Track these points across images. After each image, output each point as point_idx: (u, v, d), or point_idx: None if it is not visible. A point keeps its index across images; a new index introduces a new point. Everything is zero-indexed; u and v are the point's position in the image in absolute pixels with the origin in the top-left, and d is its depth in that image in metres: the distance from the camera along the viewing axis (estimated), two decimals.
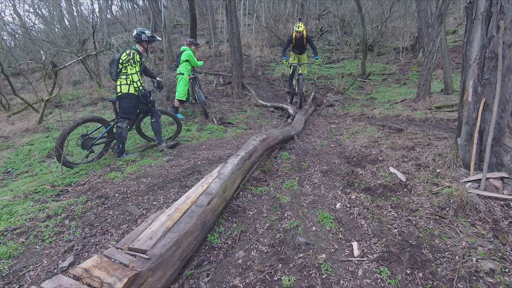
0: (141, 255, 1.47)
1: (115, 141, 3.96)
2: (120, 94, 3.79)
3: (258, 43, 12.41)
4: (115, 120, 3.92)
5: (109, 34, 11.17)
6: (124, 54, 3.79)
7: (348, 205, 2.42)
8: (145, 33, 3.85)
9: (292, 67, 6.84)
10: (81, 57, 7.82)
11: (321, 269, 1.69)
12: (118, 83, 3.80)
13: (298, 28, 6.43)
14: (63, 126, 4.25)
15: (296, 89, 6.63)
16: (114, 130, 3.92)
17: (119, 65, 3.79)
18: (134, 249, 1.55)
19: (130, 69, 3.77)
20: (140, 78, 3.85)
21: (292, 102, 7.34)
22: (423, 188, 2.57)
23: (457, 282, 1.55)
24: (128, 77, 3.78)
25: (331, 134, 4.92)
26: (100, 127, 3.96)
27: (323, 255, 1.80)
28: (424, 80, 6.24)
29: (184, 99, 6.30)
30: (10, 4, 12.76)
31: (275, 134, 3.78)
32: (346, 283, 1.59)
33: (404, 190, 2.60)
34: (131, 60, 3.76)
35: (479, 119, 2.57)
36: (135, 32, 3.88)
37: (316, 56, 6.73)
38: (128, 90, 3.78)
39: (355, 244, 1.90)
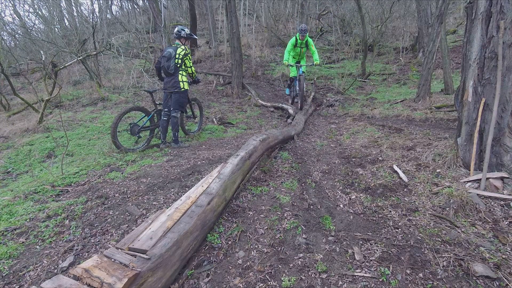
0: (141, 255, 1.47)
1: (157, 128, 4.49)
2: (183, 89, 4.21)
3: (258, 43, 12.40)
4: (154, 110, 4.43)
5: (109, 34, 11.17)
6: (179, 49, 4.14)
7: (348, 205, 2.42)
8: (184, 30, 4.27)
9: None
10: (81, 57, 7.82)
11: (321, 269, 1.69)
12: (180, 78, 4.18)
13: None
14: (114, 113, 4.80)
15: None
16: (155, 119, 4.46)
17: (177, 60, 4.12)
18: (134, 249, 1.55)
19: (188, 61, 4.26)
20: None
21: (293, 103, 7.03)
22: (423, 188, 2.57)
23: (457, 282, 1.55)
24: (187, 70, 4.31)
25: (331, 134, 4.92)
26: (143, 116, 4.45)
27: (323, 255, 1.80)
28: (424, 80, 6.24)
29: None
30: (10, 4, 12.77)
31: (275, 134, 3.78)
32: (346, 284, 1.59)
33: (404, 190, 2.60)
34: (189, 55, 4.25)
35: (479, 119, 2.57)
36: (176, 29, 4.27)
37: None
38: (184, 87, 4.22)
39: (355, 244, 1.90)
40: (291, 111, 6.47)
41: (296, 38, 6.29)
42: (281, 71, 10.01)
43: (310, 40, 6.36)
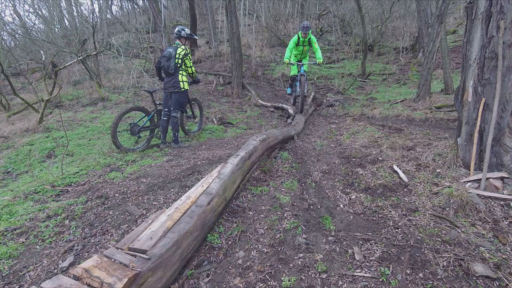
0: (141, 255, 1.47)
1: (157, 128, 4.51)
2: (183, 89, 4.22)
3: (258, 43, 12.39)
4: (154, 110, 4.44)
5: (109, 34, 11.17)
6: (180, 49, 4.14)
7: (348, 205, 2.42)
8: (184, 30, 4.27)
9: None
10: (81, 57, 7.82)
11: (321, 269, 1.69)
12: (180, 78, 4.19)
13: None
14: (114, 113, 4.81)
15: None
16: (155, 119, 4.47)
17: (177, 60, 4.13)
18: (134, 249, 1.55)
19: (188, 61, 4.26)
20: None
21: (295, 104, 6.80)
22: (423, 188, 2.57)
23: (457, 282, 1.55)
24: (187, 70, 4.31)
25: (331, 134, 4.92)
26: (143, 116, 4.47)
27: (323, 255, 1.80)
28: (424, 80, 6.24)
29: None
30: (10, 4, 12.77)
31: (275, 134, 3.78)
32: (346, 284, 1.59)
33: (404, 190, 2.60)
34: (189, 55, 4.26)
35: (479, 119, 2.57)
36: (176, 29, 4.27)
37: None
38: (184, 87, 4.23)
39: (355, 244, 1.90)
40: (291, 111, 6.46)
41: (298, 36, 6.00)
42: (281, 71, 10.01)
43: (313, 37, 6.06)
